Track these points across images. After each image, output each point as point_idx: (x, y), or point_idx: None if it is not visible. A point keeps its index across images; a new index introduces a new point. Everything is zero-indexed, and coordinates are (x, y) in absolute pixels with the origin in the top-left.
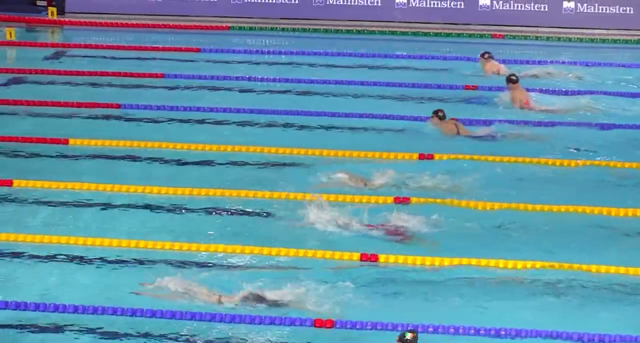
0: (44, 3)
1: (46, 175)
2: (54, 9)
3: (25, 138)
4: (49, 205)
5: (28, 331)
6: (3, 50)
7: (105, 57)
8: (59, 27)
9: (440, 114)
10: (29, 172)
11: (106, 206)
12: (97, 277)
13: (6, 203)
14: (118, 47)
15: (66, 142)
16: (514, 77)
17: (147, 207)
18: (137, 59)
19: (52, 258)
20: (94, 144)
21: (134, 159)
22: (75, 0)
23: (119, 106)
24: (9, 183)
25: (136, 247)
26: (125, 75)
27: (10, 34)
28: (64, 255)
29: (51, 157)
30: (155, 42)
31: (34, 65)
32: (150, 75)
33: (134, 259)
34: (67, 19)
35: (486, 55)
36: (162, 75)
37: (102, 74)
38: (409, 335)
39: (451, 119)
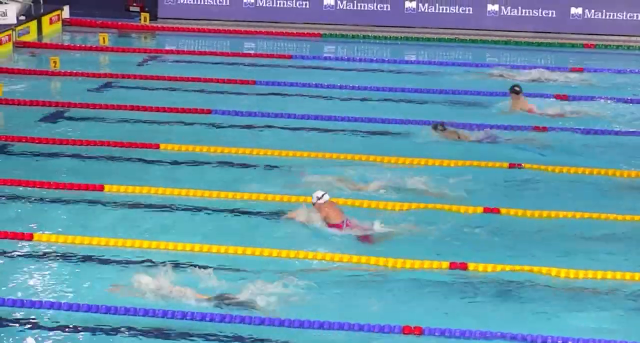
0: (137, 9)
1: (137, 180)
2: (147, 15)
3: (116, 143)
4: (139, 210)
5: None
6: (96, 55)
7: (196, 63)
8: (151, 32)
9: (440, 127)
10: (119, 176)
11: (198, 210)
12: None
13: (97, 207)
14: (210, 53)
15: (157, 146)
16: (517, 88)
17: (232, 211)
18: (228, 64)
19: (140, 263)
20: (184, 149)
21: (224, 164)
22: (168, 7)
23: (209, 112)
24: (101, 188)
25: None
26: (217, 81)
27: (104, 39)
28: (152, 260)
29: (142, 162)
30: (247, 48)
31: (126, 71)
32: (242, 82)
33: (240, 268)
34: (159, 25)
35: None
36: (254, 82)
37: (194, 79)
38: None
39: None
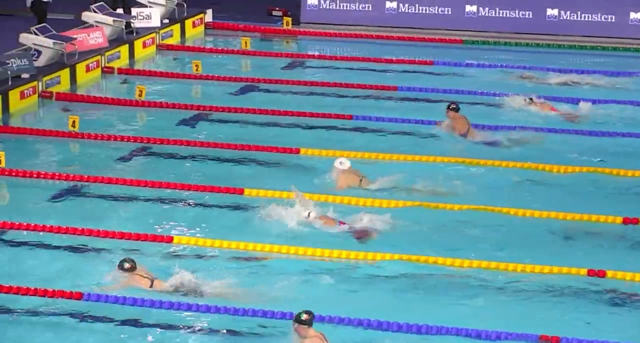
0: (280, 13)
1: (277, 185)
2: (289, 19)
3: (257, 146)
4: (279, 213)
5: None
6: (238, 59)
7: (338, 68)
8: (293, 37)
9: (453, 106)
10: (259, 180)
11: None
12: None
13: (237, 211)
14: (351, 58)
15: (297, 151)
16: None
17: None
18: (370, 70)
19: (278, 266)
20: (324, 154)
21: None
22: (310, 11)
23: (350, 117)
24: (240, 192)
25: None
26: (359, 86)
27: (246, 43)
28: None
29: (282, 166)
30: (388, 53)
31: (267, 75)
32: (383, 87)
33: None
34: (301, 29)
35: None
36: (395, 88)
37: (335, 84)
38: (304, 316)
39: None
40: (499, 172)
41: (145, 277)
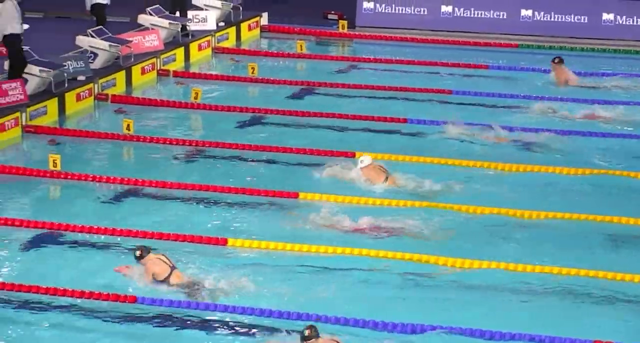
0: (335, 17)
1: (331, 188)
2: (345, 23)
3: (312, 150)
4: (333, 217)
5: None
6: (293, 62)
7: (393, 71)
8: (348, 40)
9: (556, 60)
10: (313, 185)
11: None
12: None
13: (291, 216)
14: (407, 62)
15: (353, 155)
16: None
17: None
18: (425, 73)
19: (333, 270)
20: (380, 158)
21: (419, 172)
22: (366, 15)
23: (405, 121)
24: (295, 196)
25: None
26: (413, 90)
27: (301, 46)
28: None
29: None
30: (443, 57)
31: (322, 78)
32: (438, 91)
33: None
34: (357, 33)
35: (556, 60)
36: (450, 92)
37: (390, 88)
38: (306, 332)
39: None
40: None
41: (165, 262)
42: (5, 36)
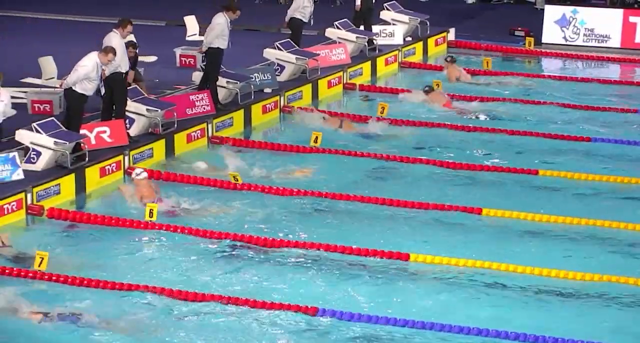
0: (522, 33)
1: (517, 205)
2: (532, 40)
3: (495, 167)
4: (512, 234)
5: None
6: (478, 78)
7: (579, 89)
8: (534, 57)
9: (448, 59)
10: (497, 200)
11: (572, 239)
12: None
13: (475, 231)
14: (593, 80)
15: (536, 172)
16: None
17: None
18: (611, 92)
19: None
20: (562, 176)
21: (602, 193)
22: (552, 31)
23: (589, 139)
24: (479, 211)
25: None
26: (598, 109)
27: (487, 63)
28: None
29: (520, 186)
30: (633, 76)
31: (507, 95)
32: (623, 110)
33: None
34: (542, 50)
35: (449, 59)
36: (636, 111)
37: (574, 106)
38: None
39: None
40: None
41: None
42: (209, 48)
